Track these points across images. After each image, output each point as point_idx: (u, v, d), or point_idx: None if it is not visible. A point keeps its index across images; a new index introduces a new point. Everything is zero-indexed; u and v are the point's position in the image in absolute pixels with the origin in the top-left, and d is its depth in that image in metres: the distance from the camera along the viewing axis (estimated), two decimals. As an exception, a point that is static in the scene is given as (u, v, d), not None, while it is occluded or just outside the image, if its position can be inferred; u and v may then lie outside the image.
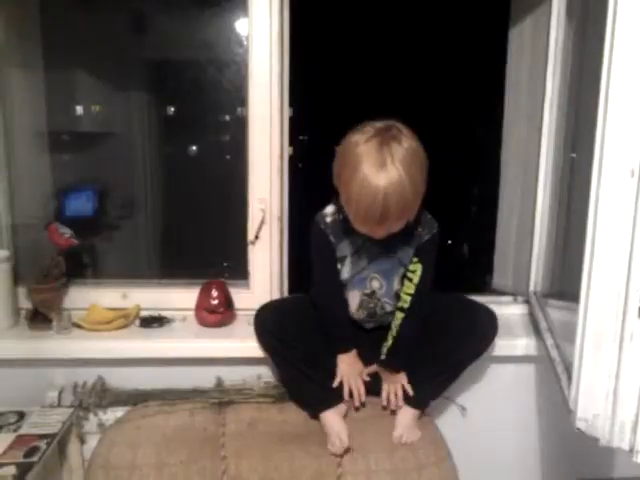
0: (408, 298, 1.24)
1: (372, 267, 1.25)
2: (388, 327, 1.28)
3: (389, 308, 1.29)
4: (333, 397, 1.29)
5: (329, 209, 1.24)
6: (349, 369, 1.29)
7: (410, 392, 1.27)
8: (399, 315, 1.26)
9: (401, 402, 1.28)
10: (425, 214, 1.24)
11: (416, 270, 1.23)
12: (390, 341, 1.26)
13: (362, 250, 1.24)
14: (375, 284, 1.27)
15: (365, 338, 1.32)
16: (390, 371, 1.28)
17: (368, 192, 1.05)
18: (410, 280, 1.24)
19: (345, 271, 1.26)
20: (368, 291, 1.27)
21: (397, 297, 1.28)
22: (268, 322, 1.28)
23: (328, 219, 1.23)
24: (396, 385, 1.28)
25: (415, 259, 1.24)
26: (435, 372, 1.28)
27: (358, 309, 1.29)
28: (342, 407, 1.30)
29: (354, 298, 1.28)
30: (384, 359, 1.27)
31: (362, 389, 1.29)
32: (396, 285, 1.28)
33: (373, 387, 1.31)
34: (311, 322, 1.28)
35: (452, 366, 1.28)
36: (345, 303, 1.29)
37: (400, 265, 1.25)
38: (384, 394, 1.29)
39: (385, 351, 1.27)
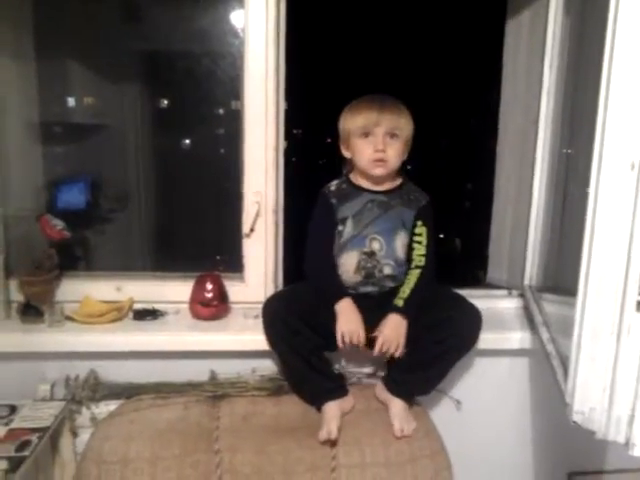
0: (422, 258, 1.32)
1: (373, 227, 1.30)
2: (386, 294, 1.29)
3: (388, 271, 1.30)
4: (338, 388, 1.31)
5: (334, 181, 1.36)
6: (347, 320, 1.25)
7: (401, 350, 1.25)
8: (416, 271, 1.31)
9: (395, 349, 1.24)
10: (413, 184, 1.36)
11: (422, 233, 1.33)
12: (408, 292, 1.28)
13: (364, 211, 1.31)
14: (375, 245, 1.29)
15: (362, 307, 1.28)
16: (404, 317, 1.25)
17: (364, 97, 1.31)
18: (419, 243, 1.32)
19: (346, 232, 1.30)
20: (367, 250, 1.29)
21: (399, 263, 1.30)
22: (278, 310, 1.28)
23: (333, 187, 1.35)
24: (397, 342, 1.24)
25: (419, 222, 1.33)
26: (417, 363, 1.27)
27: (356, 270, 1.29)
28: (348, 400, 1.31)
29: (352, 259, 1.29)
30: (402, 306, 1.25)
31: (362, 334, 1.24)
32: (398, 248, 1.30)
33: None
34: (319, 311, 1.27)
35: (435, 359, 1.27)
36: (335, 266, 1.30)
37: (402, 226, 1.31)
38: (379, 344, 1.24)
39: (402, 302, 1.26)
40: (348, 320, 1.25)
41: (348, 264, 1.30)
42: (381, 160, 1.26)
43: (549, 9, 1.42)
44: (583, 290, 0.93)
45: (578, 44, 1.33)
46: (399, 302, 1.27)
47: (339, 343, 1.25)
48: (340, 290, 1.29)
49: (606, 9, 0.88)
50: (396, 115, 1.26)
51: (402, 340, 1.24)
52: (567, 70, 1.39)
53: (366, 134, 1.27)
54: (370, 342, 1.26)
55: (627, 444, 0.91)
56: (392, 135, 1.26)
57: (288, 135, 1.53)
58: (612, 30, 0.86)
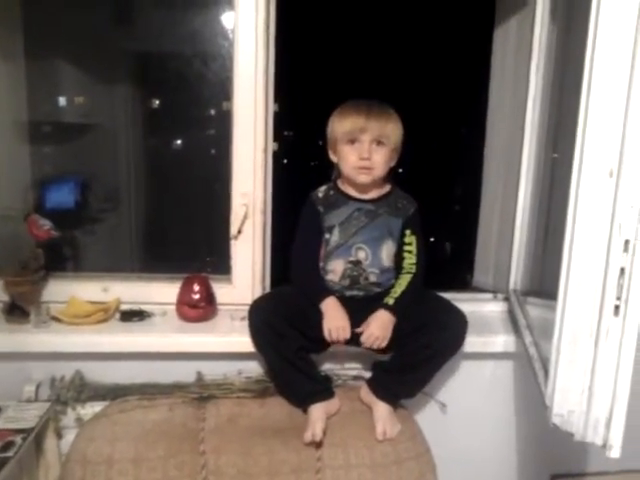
0: (413, 266, 1.33)
1: (360, 236, 1.30)
2: (373, 298, 1.30)
3: (374, 279, 1.31)
4: (324, 391, 1.31)
5: (321, 187, 1.36)
6: (333, 317, 1.26)
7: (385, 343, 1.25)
8: (407, 276, 1.32)
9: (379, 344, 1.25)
10: (401, 191, 1.36)
11: (412, 242, 1.33)
12: (399, 293, 1.29)
13: (351, 219, 1.31)
14: (361, 254, 1.30)
15: (347, 308, 1.29)
16: (393, 314, 1.26)
17: (352, 102, 1.29)
18: (410, 252, 1.33)
19: (333, 240, 1.31)
20: (353, 259, 1.30)
21: (384, 271, 1.31)
22: (263, 313, 1.28)
23: (320, 194, 1.35)
24: (382, 337, 1.25)
25: (408, 231, 1.33)
26: (402, 367, 1.28)
27: (342, 277, 1.31)
28: (334, 403, 1.31)
29: (338, 267, 1.31)
30: (392, 304, 1.27)
31: (348, 329, 1.25)
32: (384, 257, 1.31)
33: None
34: (304, 313, 1.28)
35: (420, 362, 1.27)
36: (319, 271, 1.32)
37: (389, 235, 1.31)
38: (365, 336, 1.25)
39: (392, 301, 1.27)
40: (334, 316, 1.27)
41: (334, 271, 1.31)
42: (366, 168, 1.26)
43: (535, 16, 1.44)
44: (563, 294, 0.95)
45: (564, 51, 1.34)
46: (389, 300, 1.28)
47: (327, 338, 1.26)
48: (324, 290, 1.30)
49: (588, 18, 0.89)
50: (383, 122, 1.25)
51: (388, 335, 1.25)
52: (553, 76, 1.41)
53: (352, 141, 1.26)
54: (357, 339, 1.27)
55: (605, 446, 0.92)
56: (379, 142, 1.26)
57: (280, 137, 1.54)
58: (592, 38, 0.88)
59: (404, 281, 1.31)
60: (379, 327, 1.25)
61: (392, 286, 1.32)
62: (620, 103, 0.87)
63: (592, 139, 0.89)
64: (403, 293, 1.29)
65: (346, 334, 1.26)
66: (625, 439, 0.93)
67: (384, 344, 1.25)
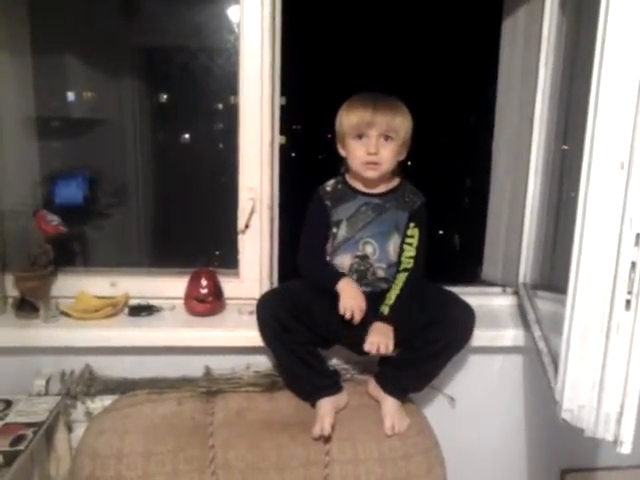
0: (411, 260, 1.31)
1: (367, 230, 1.30)
2: (379, 294, 1.29)
3: (381, 274, 1.30)
4: (332, 385, 1.31)
5: (330, 181, 1.35)
6: (349, 296, 1.25)
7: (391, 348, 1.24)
8: (402, 275, 1.30)
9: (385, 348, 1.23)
10: (410, 185, 1.35)
11: (414, 235, 1.31)
12: (393, 298, 1.27)
13: (358, 213, 1.30)
14: (368, 249, 1.30)
15: None
16: (389, 324, 1.25)
17: (360, 95, 1.28)
18: (410, 244, 1.31)
19: (340, 235, 1.30)
20: (360, 254, 1.30)
21: (392, 265, 1.31)
22: (271, 307, 1.28)
23: (328, 188, 1.34)
24: (385, 343, 1.23)
25: (412, 224, 1.32)
26: (409, 362, 1.28)
27: (349, 272, 1.31)
28: (342, 397, 1.31)
29: (345, 261, 1.30)
30: (387, 315, 1.26)
31: (363, 307, 1.23)
32: (391, 251, 1.30)
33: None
34: (313, 307, 1.28)
35: (427, 357, 1.27)
36: (328, 262, 1.32)
37: (395, 229, 1.31)
38: (368, 345, 1.23)
39: (388, 310, 1.26)
40: (350, 295, 1.25)
41: (341, 266, 1.31)
42: (373, 163, 1.25)
43: (544, 8, 1.42)
44: (573, 288, 0.94)
45: (573, 42, 1.33)
46: (384, 309, 1.26)
47: (342, 314, 1.22)
48: (337, 273, 1.30)
49: (598, 9, 0.88)
50: (390, 116, 1.24)
51: (391, 341, 1.24)
52: (562, 68, 1.39)
53: (359, 135, 1.25)
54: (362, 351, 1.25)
55: (616, 441, 0.92)
56: (386, 137, 1.25)
57: (288, 131, 1.53)
58: (603, 29, 0.86)
59: (399, 282, 1.29)
60: (379, 337, 1.23)
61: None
62: (631, 94, 0.86)
63: (602, 131, 0.87)
64: (398, 297, 1.27)
65: (362, 312, 1.23)
66: (636, 434, 0.92)
67: (391, 347, 1.23)
